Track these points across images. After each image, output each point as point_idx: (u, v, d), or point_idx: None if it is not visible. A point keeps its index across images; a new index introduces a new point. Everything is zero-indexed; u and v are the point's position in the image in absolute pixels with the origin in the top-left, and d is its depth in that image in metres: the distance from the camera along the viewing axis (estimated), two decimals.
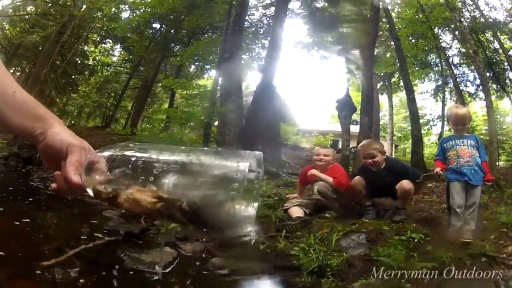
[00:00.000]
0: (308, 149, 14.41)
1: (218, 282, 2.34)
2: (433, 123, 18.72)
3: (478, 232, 2.82)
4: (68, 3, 13.93)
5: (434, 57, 14.74)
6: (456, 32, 13.26)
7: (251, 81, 21.68)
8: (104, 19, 15.95)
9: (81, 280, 2.02)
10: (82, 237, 2.73)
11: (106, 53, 19.60)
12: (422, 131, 12.26)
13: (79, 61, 17.72)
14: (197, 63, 18.20)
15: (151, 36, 16.91)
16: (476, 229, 2.91)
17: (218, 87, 9.79)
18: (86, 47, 17.89)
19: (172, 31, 16.76)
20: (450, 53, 14.34)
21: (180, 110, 12.52)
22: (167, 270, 2.33)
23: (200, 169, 0.54)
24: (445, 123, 11.72)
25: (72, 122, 21.41)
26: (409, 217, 3.46)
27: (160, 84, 18.01)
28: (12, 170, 6.57)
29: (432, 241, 2.74)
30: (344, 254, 2.59)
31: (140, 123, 18.14)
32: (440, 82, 15.50)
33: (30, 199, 3.95)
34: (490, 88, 11.11)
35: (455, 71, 14.41)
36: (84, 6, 13.85)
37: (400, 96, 20.16)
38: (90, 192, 0.58)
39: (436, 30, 13.17)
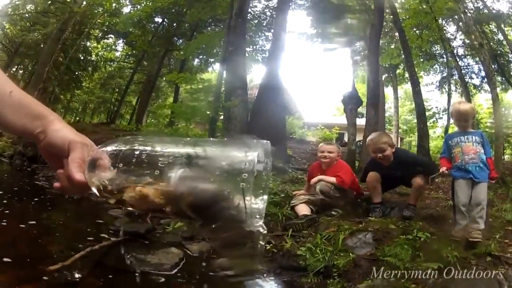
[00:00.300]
0: (314, 142, 14.35)
1: (224, 283, 2.34)
2: (439, 115, 18.52)
3: (483, 231, 2.77)
4: (68, 0, 13.86)
5: (439, 48, 14.55)
6: (460, 23, 13.05)
7: (255, 74, 21.54)
8: (105, 14, 15.86)
9: (87, 283, 2.04)
10: (88, 238, 2.74)
11: (109, 48, 19.51)
12: (428, 124, 12.12)
13: (82, 57, 17.65)
14: (200, 57, 18.12)
15: (154, 30, 16.82)
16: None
17: (223, 81, 9.68)
18: (88, 43, 17.82)
19: (175, 24, 16.65)
20: (454, 44, 14.15)
21: (185, 105, 12.51)
22: (174, 272, 2.33)
23: (207, 161, 0.51)
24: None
25: (77, 118, 21.56)
26: (417, 214, 3.44)
27: (164, 78, 17.94)
28: (17, 169, 6.61)
29: (438, 240, 2.71)
30: (350, 254, 2.58)
31: (145, 118, 18.14)
32: (445, 74, 15.31)
33: (36, 199, 3.98)
34: (496, 81, 10.93)
35: (459, 63, 14.22)
36: (84, 3, 13.80)
37: (405, 88, 19.91)
38: (94, 190, 0.55)
39: (440, 21, 12.94)
